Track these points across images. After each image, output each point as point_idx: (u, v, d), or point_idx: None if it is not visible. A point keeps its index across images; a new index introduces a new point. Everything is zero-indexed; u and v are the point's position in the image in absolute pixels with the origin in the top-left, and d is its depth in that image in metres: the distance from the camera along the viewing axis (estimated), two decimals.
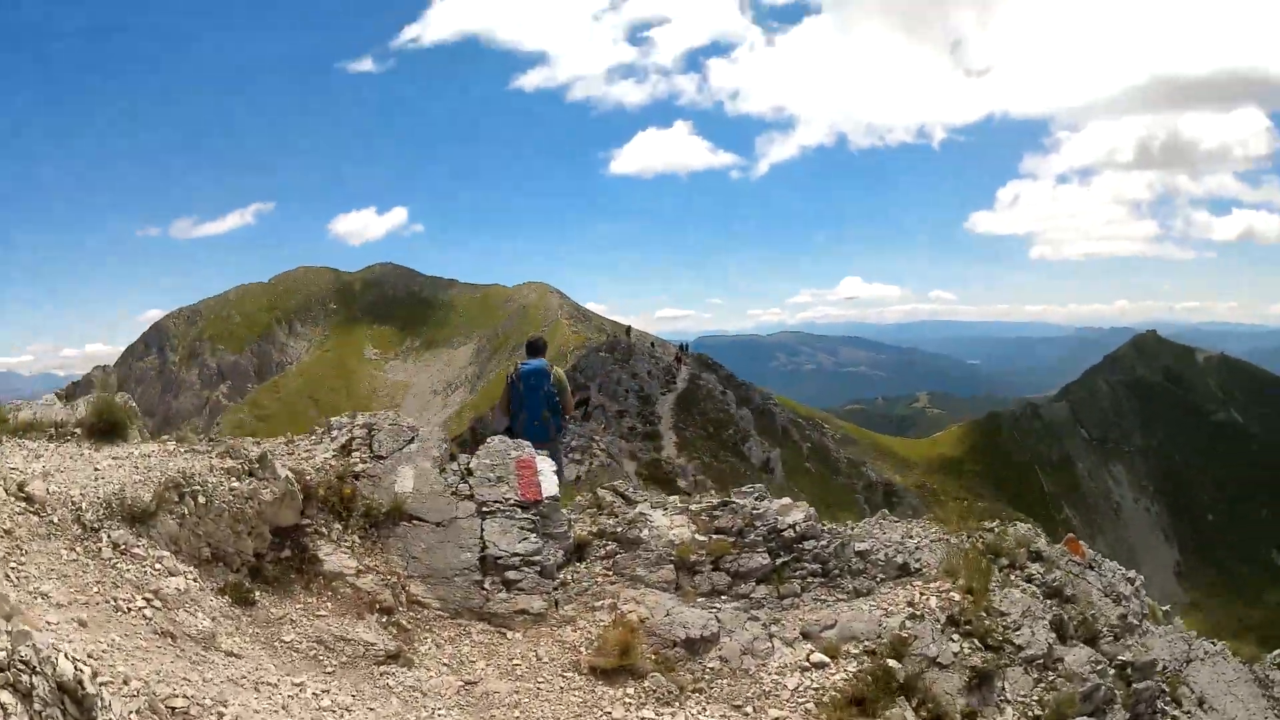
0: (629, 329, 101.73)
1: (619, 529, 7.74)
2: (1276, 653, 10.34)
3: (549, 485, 7.66)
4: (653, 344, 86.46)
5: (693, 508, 8.04)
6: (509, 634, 6.64)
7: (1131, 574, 10.11)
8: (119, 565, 5.24)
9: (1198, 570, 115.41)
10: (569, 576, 7.28)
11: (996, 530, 9.04)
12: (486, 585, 6.90)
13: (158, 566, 5.43)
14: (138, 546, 5.46)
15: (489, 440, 8.29)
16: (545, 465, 7.84)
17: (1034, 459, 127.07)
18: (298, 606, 6.24)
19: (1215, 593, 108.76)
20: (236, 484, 6.38)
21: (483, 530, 7.21)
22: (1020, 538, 8.98)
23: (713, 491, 10.00)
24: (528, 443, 8.26)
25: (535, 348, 11.15)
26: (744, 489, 8.44)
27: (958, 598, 7.41)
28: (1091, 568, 9.46)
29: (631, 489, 8.47)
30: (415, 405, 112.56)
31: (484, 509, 7.37)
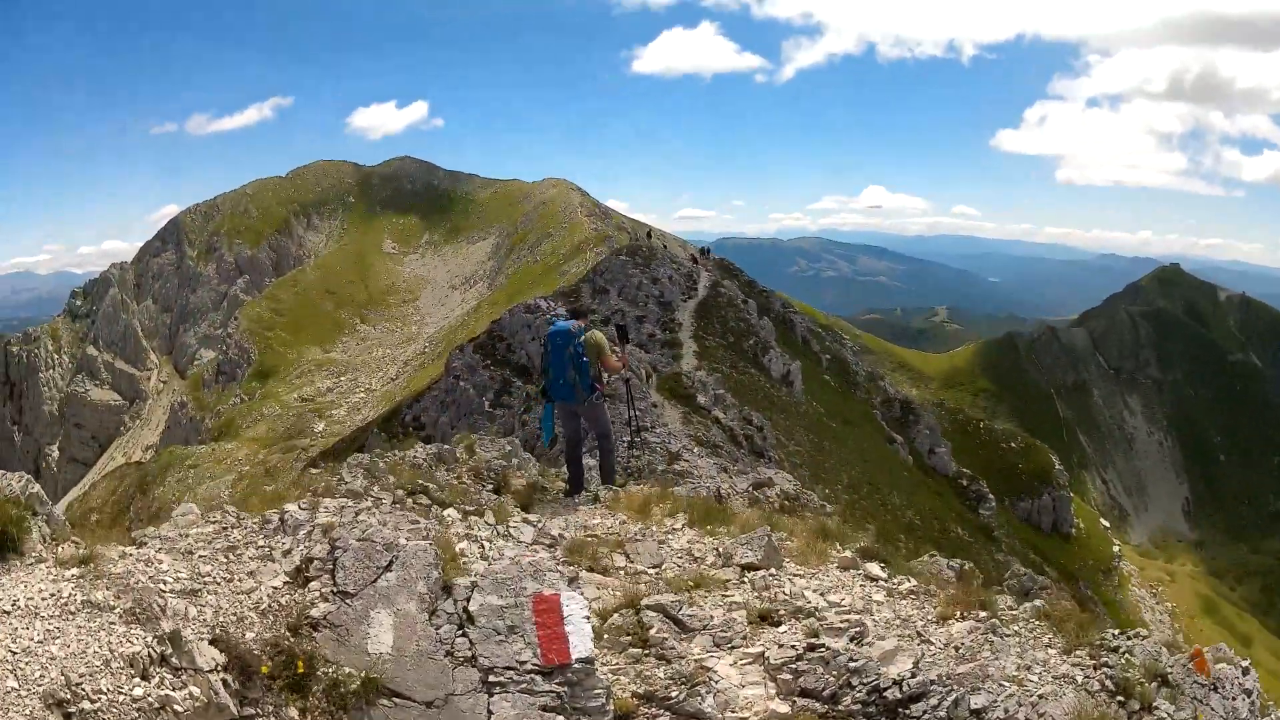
0: (650, 231, 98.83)
1: (673, 693, 5.79)
2: None
3: (580, 640, 5.64)
4: (664, 246, 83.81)
5: (771, 657, 6.06)
6: None
7: (1249, 683, 8.41)
8: None
9: (1206, 509, 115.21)
10: None
11: (1121, 653, 7.13)
12: None
13: None
14: None
15: (497, 564, 6.32)
16: (575, 607, 5.79)
17: (1049, 382, 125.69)
18: None
19: (1221, 534, 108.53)
20: (140, 687, 4.43)
21: (490, 713, 5.26)
22: (1148, 663, 7.13)
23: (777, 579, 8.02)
24: (549, 570, 6.20)
25: (576, 311, 11.55)
26: (836, 624, 6.44)
27: None
28: (1215, 689, 7.73)
29: (683, 610, 6.49)
30: (433, 299, 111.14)
31: (491, 678, 5.37)
